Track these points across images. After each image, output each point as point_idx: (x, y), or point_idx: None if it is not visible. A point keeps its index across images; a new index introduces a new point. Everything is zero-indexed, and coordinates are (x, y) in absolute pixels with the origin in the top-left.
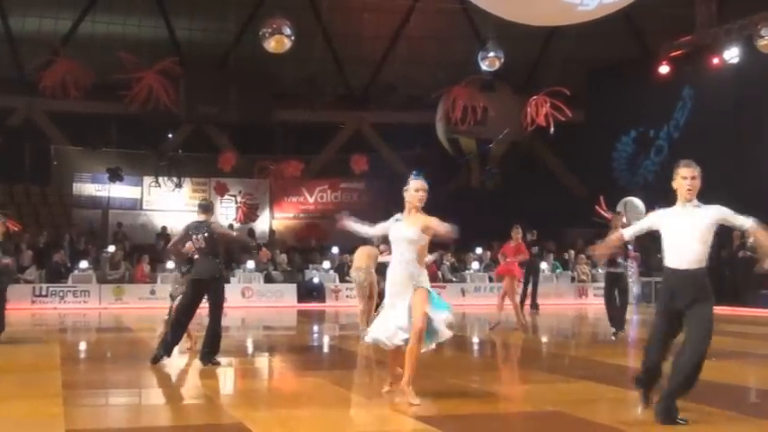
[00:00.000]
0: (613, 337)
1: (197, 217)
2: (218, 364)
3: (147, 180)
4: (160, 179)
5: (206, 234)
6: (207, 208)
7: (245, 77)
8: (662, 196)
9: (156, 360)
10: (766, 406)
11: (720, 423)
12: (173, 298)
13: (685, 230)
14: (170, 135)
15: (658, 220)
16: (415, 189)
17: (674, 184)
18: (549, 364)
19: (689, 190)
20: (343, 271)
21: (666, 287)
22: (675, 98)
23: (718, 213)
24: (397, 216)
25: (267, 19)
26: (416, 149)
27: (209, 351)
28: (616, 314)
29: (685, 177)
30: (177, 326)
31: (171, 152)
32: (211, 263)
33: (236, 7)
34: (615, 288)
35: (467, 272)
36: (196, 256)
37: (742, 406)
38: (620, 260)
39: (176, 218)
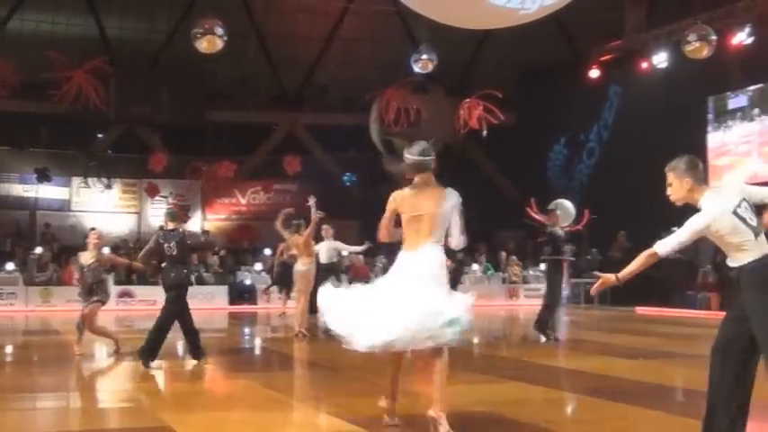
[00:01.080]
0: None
1: (166, 226)
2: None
3: (76, 181)
4: (89, 180)
5: (178, 241)
6: (175, 216)
7: (177, 77)
8: (596, 199)
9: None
10: (692, 405)
11: (646, 421)
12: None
13: None
14: (100, 135)
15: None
16: None
17: None
18: (479, 364)
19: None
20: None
21: None
22: (604, 99)
23: None
24: None
25: (199, 19)
26: (350, 151)
27: (197, 347)
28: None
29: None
30: (163, 332)
31: (101, 152)
32: (179, 271)
33: (167, 7)
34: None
35: None
36: (164, 264)
37: (669, 405)
38: None
39: (106, 219)
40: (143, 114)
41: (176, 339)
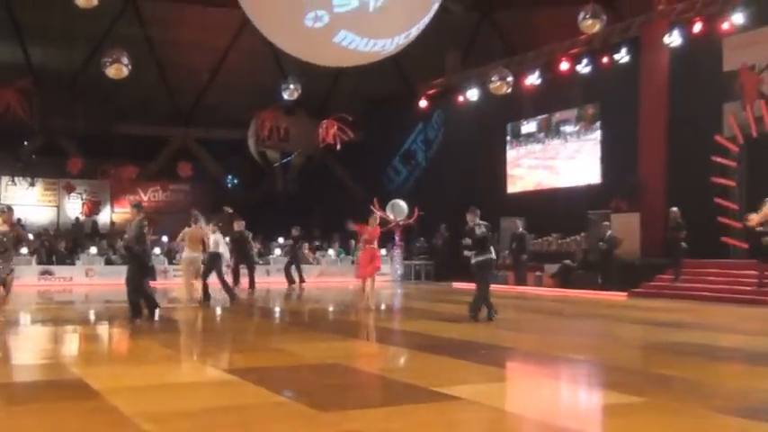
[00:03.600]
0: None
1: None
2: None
3: (5, 179)
4: (16, 179)
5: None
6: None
7: (90, 97)
8: (423, 199)
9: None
10: (491, 356)
11: (455, 367)
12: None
13: None
14: (26, 142)
15: None
16: None
17: None
18: (332, 327)
19: None
20: (171, 255)
21: None
22: (430, 123)
23: None
24: None
25: (109, 49)
26: (233, 160)
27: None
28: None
29: None
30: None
31: (26, 157)
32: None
33: (83, 39)
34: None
35: (270, 256)
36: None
37: (474, 356)
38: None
39: (30, 211)
40: (62, 126)
41: (88, 309)
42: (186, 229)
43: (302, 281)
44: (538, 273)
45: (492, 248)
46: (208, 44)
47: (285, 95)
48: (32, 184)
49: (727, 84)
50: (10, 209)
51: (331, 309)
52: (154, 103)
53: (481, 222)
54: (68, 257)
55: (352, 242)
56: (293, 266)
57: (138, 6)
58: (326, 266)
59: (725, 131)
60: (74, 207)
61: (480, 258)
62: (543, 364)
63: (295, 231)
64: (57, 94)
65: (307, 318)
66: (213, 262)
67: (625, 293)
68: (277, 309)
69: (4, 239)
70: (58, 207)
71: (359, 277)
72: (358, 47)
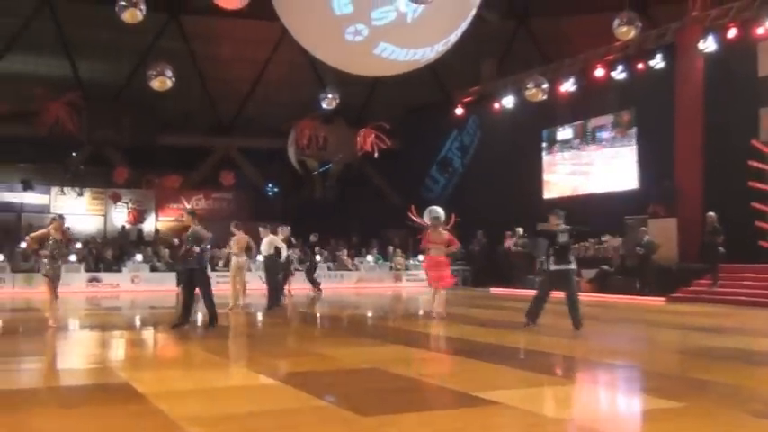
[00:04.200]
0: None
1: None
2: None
3: (55, 190)
4: (65, 189)
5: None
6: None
7: (136, 109)
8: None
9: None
10: (528, 361)
11: (493, 372)
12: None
13: None
14: (74, 153)
15: None
16: None
17: None
18: (371, 332)
19: None
20: (213, 262)
21: None
22: (466, 131)
23: None
24: None
25: (153, 63)
26: (273, 168)
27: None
28: (539, 310)
29: None
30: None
31: (74, 167)
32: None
33: (128, 53)
34: (556, 286)
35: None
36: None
37: (511, 361)
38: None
39: (78, 220)
40: (108, 137)
41: (134, 315)
42: (237, 236)
43: (318, 288)
44: (575, 278)
45: (573, 258)
46: (248, 57)
47: (323, 105)
48: (80, 194)
49: (763, 88)
50: (61, 217)
51: (369, 314)
52: (196, 115)
53: (566, 228)
54: (115, 264)
55: (390, 248)
56: (312, 271)
57: (180, 21)
58: (365, 272)
59: (761, 136)
60: (120, 216)
61: (559, 267)
62: (582, 369)
63: (313, 237)
64: (103, 106)
65: (346, 323)
66: (277, 264)
67: (663, 298)
68: (317, 314)
69: (57, 246)
70: (104, 216)
71: (430, 284)
72: (398, 57)
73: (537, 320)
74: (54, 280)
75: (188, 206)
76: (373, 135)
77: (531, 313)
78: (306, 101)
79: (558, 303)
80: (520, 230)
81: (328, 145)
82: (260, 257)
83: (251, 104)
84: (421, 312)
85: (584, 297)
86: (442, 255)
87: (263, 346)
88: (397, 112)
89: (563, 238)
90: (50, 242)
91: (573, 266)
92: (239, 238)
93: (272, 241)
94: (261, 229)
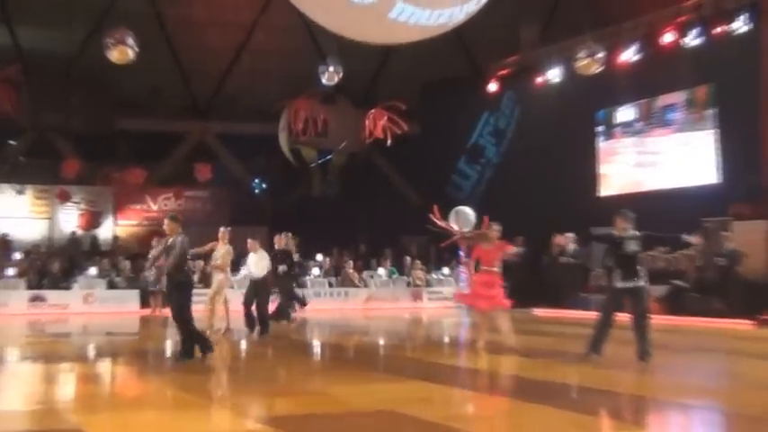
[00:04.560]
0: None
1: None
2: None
3: None
4: (2, 185)
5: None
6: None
7: (89, 86)
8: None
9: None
10: (582, 402)
11: (539, 416)
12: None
13: None
14: (12, 142)
15: None
16: None
17: None
18: (384, 365)
19: None
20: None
21: None
22: (502, 112)
23: None
24: None
25: (111, 29)
26: (260, 159)
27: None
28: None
29: None
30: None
31: (13, 159)
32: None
33: (81, 17)
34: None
35: (307, 278)
36: None
37: (561, 401)
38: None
39: (17, 225)
40: (55, 122)
41: (86, 342)
42: (226, 247)
43: (303, 304)
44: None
45: (644, 272)
46: (229, 20)
47: (323, 80)
48: (20, 192)
49: None
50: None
51: (382, 342)
52: (165, 93)
53: (636, 234)
54: (63, 280)
55: (407, 259)
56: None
57: None
58: (375, 290)
59: None
60: (70, 219)
61: (626, 284)
62: (650, 412)
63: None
64: (49, 83)
65: (353, 354)
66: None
67: (750, 321)
68: (317, 342)
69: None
70: (50, 219)
71: (474, 307)
72: (419, 20)
73: (601, 350)
74: None
75: (154, 206)
76: (385, 117)
77: (595, 342)
78: (301, 75)
79: (615, 328)
80: (571, 236)
81: (329, 130)
82: (241, 273)
83: (233, 80)
84: (464, 341)
85: (652, 319)
86: (495, 270)
87: (250, 383)
88: (415, 88)
89: (631, 247)
90: None
91: (643, 283)
92: (228, 249)
93: (262, 259)
94: (250, 241)
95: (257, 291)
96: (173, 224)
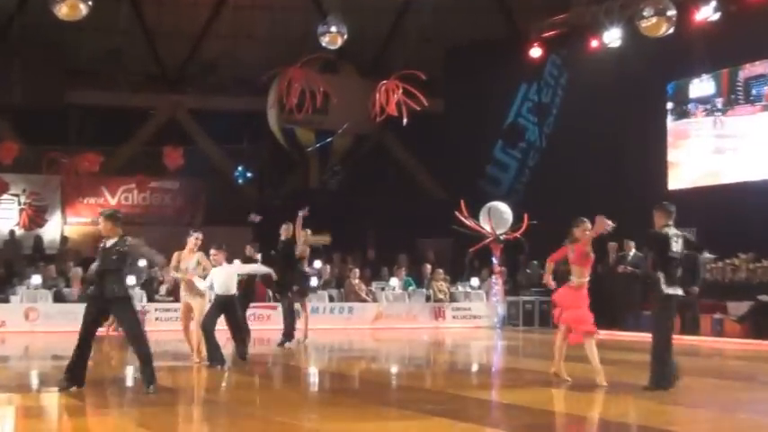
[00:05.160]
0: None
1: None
2: None
3: None
4: None
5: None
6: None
7: (32, 50)
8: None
9: None
10: None
11: None
12: None
13: None
14: None
15: None
16: None
17: None
18: (396, 397)
19: None
20: (152, 287)
21: None
22: (547, 83)
23: None
24: None
25: None
26: (243, 142)
27: None
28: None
29: None
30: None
31: None
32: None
33: None
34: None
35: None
36: None
37: None
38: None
39: None
40: None
41: (29, 369)
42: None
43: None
44: (717, 315)
45: (697, 277)
46: None
47: (323, 43)
48: None
49: None
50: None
51: (395, 370)
52: (126, 59)
53: (678, 233)
54: None
55: (427, 267)
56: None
57: None
58: (387, 305)
59: None
60: (7, 215)
61: (674, 291)
62: None
63: (249, 251)
64: None
65: (358, 384)
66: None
67: None
68: (313, 370)
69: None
70: None
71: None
72: None
73: (674, 377)
74: None
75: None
76: (400, 90)
77: (658, 371)
78: (296, 37)
79: (685, 354)
80: (631, 243)
81: (330, 106)
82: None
83: (211, 42)
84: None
85: (731, 345)
86: (584, 283)
87: (228, 419)
88: (437, 54)
89: (676, 246)
90: None
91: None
92: (200, 258)
93: (230, 276)
94: (213, 251)
95: (226, 310)
96: (107, 223)
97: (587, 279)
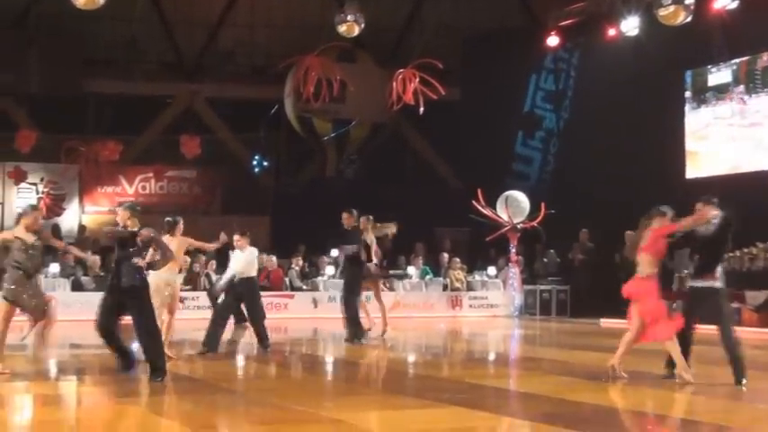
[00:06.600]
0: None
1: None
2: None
3: None
4: None
5: None
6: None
7: (49, 39)
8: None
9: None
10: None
11: None
12: None
13: None
14: None
15: None
16: None
17: None
18: (413, 386)
19: None
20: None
21: None
22: (565, 72)
23: None
24: None
25: None
26: (260, 131)
27: None
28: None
29: None
30: None
31: None
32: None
33: None
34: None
35: (320, 278)
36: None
37: None
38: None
39: None
40: (7, 84)
41: (47, 357)
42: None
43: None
44: (735, 304)
45: (720, 270)
46: None
47: (340, 31)
48: None
49: None
50: (35, 208)
51: (411, 359)
52: (144, 48)
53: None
54: None
55: (444, 256)
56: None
57: None
58: (404, 294)
59: None
60: (25, 203)
61: (700, 283)
62: None
63: (224, 237)
64: (0, 36)
65: (374, 373)
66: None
67: None
68: (330, 359)
69: (32, 252)
70: (2, 204)
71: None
72: None
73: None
74: (27, 306)
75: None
76: (417, 79)
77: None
78: (313, 26)
79: (702, 344)
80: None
81: (347, 95)
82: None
83: (228, 32)
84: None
85: (749, 334)
86: (654, 273)
87: (242, 407)
88: (454, 43)
89: (705, 232)
90: (17, 246)
91: (719, 284)
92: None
93: (252, 255)
94: (237, 237)
95: (243, 296)
96: (127, 214)
97: (652, 271)
